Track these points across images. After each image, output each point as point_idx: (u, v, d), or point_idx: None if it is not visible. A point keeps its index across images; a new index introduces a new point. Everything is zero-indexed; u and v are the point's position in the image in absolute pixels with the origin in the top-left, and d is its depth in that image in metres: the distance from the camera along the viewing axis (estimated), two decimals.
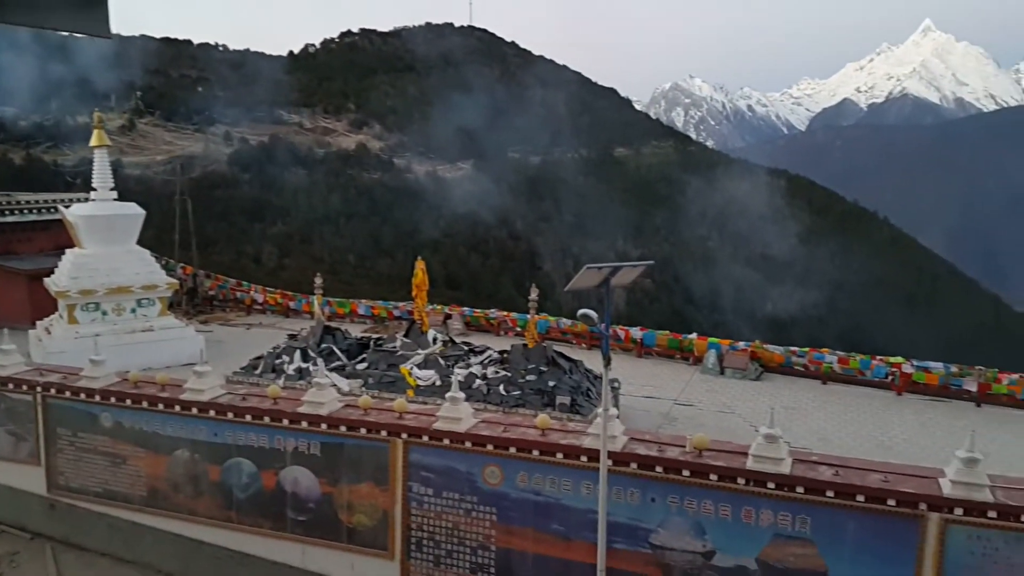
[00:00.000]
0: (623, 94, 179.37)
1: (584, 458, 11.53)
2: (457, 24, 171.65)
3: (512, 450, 11.99)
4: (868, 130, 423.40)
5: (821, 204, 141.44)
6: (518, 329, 29.29)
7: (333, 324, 25.94)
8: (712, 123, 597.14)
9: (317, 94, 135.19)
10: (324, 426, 13.12)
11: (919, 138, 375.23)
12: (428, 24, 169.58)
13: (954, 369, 23.19)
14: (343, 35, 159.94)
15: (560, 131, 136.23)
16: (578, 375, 20.20)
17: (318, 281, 24.09)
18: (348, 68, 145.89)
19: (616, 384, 19.83)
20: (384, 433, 12.76)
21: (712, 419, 20.10)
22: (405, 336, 22.49)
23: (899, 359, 24.12)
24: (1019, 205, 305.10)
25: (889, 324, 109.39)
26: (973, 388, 22.45)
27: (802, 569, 10.58)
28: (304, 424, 13.23)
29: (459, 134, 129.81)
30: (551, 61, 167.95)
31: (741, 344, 25.93)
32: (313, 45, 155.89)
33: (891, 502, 10.14)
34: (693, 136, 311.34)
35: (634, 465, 11.30)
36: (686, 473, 11.02)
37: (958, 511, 9.91)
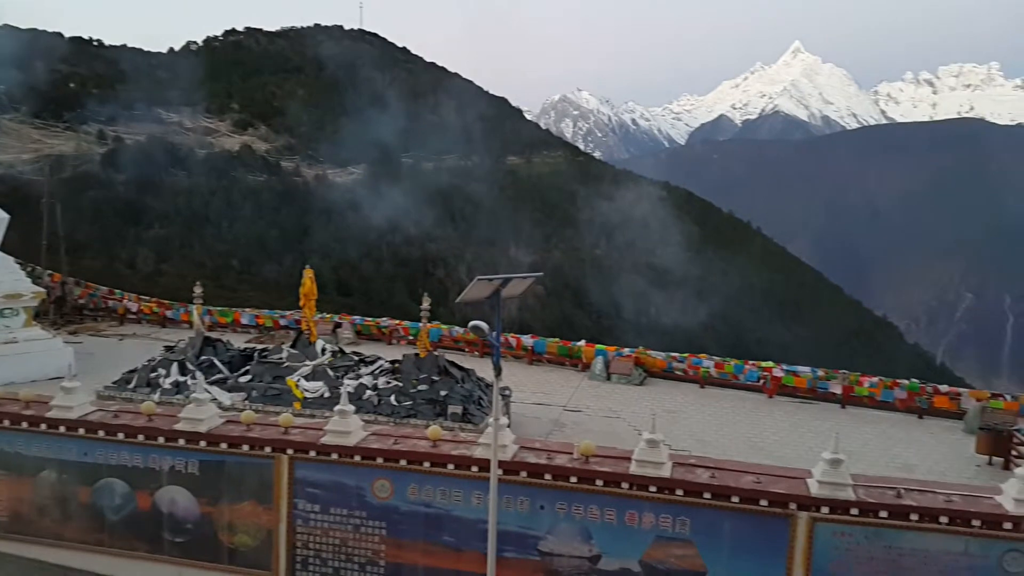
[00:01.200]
0: (514, 104, 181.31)
1: (475, 468, 11.62)
2: (347, 27, 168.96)
3: (403, 463, 11.93)
4: (743, 144, 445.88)
5: (700, 214, 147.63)
6: (410, 338, 29.13)
7: (214, 335, 25.00)
8: (599, 135, 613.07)
9: (199, 93, 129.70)
10: (203, 443, 12.63)
11: (789, 153, 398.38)
12: (317, 26, 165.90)
13: (821, 373, 24.78)
14: (227, 33, 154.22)
15: (453, 138, 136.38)
16: (470, 384, 20.31)
17: (198, 290, 23.12)
18: (232, 67, 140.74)
19: (507, 392, 20.03)
20: (268, 449, 12.42)
21: (599, 424, 20.64)
22: (292, 347, 21.95)
23: (770, 364, 25.57)
24: (879, 217, 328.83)
25: (762, 329, 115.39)
26: (838, 390, 24.06)
27: (683, 569, 11.03)
28: (181, 442, 12.69)
29: (350, 138, 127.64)
30: (443, 68, 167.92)
31: (626, 351, 26.78)
32: (195, 43, 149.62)
33: (764, 502, 10.74)
34: (581, 147, 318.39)
35: (524, 473, 11.48)
36: (574, 480, 11.30)
37: (824, 509, 10.61)
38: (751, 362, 25.84)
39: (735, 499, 10.83)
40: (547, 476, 11.39)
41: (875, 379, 24.30)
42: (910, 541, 10.46)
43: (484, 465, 11.21)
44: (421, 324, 21.25)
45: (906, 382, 24.03)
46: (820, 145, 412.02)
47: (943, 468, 18.44)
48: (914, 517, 10.40)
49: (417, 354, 20.86)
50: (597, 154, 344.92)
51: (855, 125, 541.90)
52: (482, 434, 12.67)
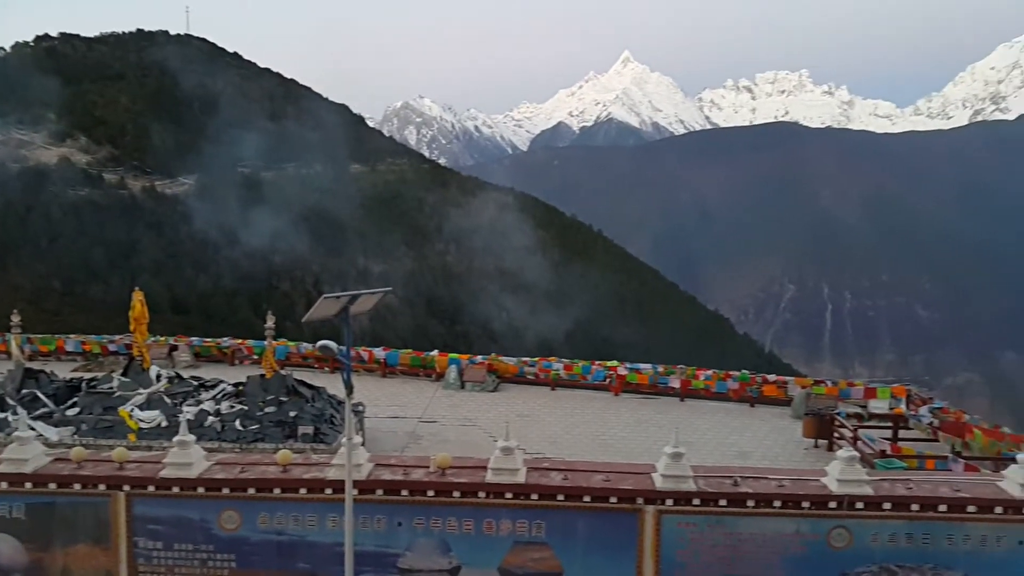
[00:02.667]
0: (355, 111, 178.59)
1: (329, 491, 11.30)
2: (173, 32, 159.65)
3: (251, 491, 11.41)
4: (581, 150, 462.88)
5: (544, 219, 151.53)
6: (255, 357, 27.95)
7: (36, 365, 22.88)
8: (443, 142, 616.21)
9: (9, 103, 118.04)
10: (29, 485, 11.53)
11: (624, 158, 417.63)
12: (140, 31, 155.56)
13: (661, 369, 26.14)
14: (39, 39, 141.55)
15: (292, 146, 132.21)
16: (321, 402, 19.75)
17: (15, 319, 21.05)
18: (47, 75, 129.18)
19: (360, 408, 19.68)
20: (103, 487, 11.50)
21: (455, 433, 20.71)
22: (123, 374, 20.43)
23: (615, 363, 26.67)
24: (707, 218, 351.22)
25: (608, 328, 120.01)
26: (677, 385, 25.46)
27: (540, 571, 11.25)
28: (4, 485, 11.53)
29: (180, 147, 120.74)
30: (278, 75, 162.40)
31: (479, 358, 27.08)
32: (2, 49, 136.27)
33: (613, 499, 11.16)
34: (426, 154, 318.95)
35: (380, 492, 11.30)
36: (431, 493, 11.25)
37: (669, 502, 11.16)
38: (597, 362, 26.84)
39: (587, 499, 11.18)
40: (404, 492, 11.28)
41: (710, 372, 25.91)
42: (748, 526, 11.20)
43: (338, 487, 10.94)
44: (266, 342, 20.43)
45: (737, 373, 25.78)
46: (652, 150, 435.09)
47: (775, 453, 19.92)
48: (751, 503, 11.13)
49: (263, 375, 20.03)
50: (442, 161, 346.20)
51: (683, 131, 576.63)
52: (335, 454, 12.35)
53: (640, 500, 11.20)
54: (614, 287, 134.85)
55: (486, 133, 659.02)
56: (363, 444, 12.68)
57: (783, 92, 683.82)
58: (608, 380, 25.95)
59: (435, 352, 27.84)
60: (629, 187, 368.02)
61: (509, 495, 11.20)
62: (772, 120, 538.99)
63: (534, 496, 11.19)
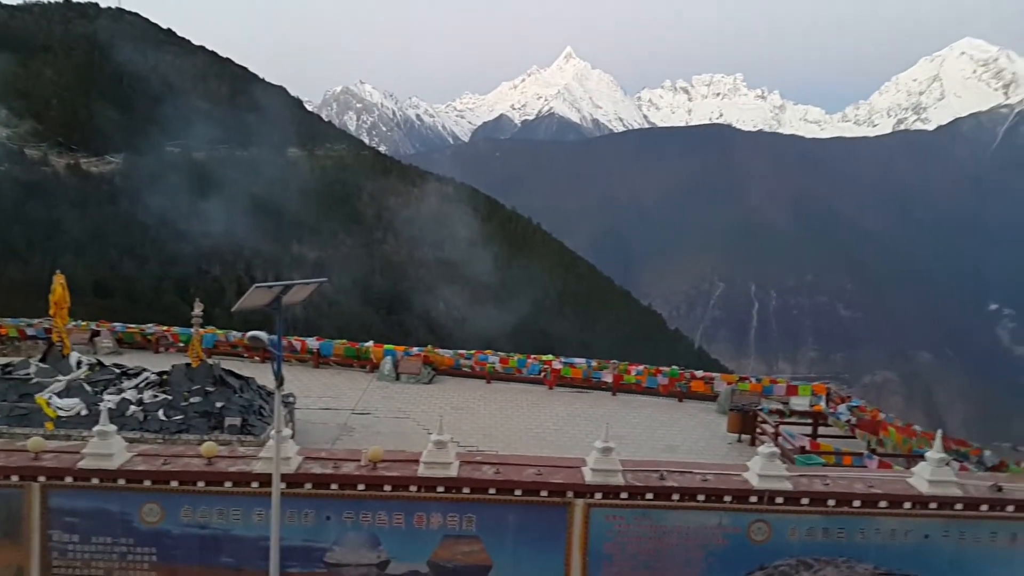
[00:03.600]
0: (293, 93, 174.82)
1: (256, 484, 11.11)
2: (104, 4, 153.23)
3: (174, 484, 11.14)
4: (522, 144, 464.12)
5: (484, 210, 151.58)
6: (181, 345, 27.19)
7: None
8: (384, 129, 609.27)
9: None
10: None
11: (564, 153, 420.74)
12: (68, 2, 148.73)
13: (595, 363, 26.49)
14: None
15: (226, 127, 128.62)
16: (250, 393, 19.35)
17: None
18: None
19: (291, 399, 19.38)
20: (16, 478, 11.06)
21: (389, 426, 20.59)
22: (42, 360, 19.64)
23: (550, 357, 26.92)
24: (644, 215, 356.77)
25: (545, 321, 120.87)
26: (610, 379, 25.85)
27: (469, 565, 11.32)
28: None
29: (108, 125, 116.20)
30: (213, 53, 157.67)
31: (415, 350, 26.95)
32: None
33: (544, 493, 11.30)
34: (366, 141, 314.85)
35: (309, 485, 11.17)
36: (361, 487, 11.17)
37: (598, 495, 11.36)
38: (533, 356, 27.04)
39: (518, 492, 11.29)
40: (334, 486, 11.17)
41: (641, 367, 26.40)
42: (673, 519, 11.49)
43: (265, 480, 10.76)
44: (193, 330, 19.88)
45: (668, 369, 26.33)
46: (592, 146, 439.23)
47: (700, 447, 20.45)
48: (676, 497, 11.43)
49: (188, 363, 19.52)
50: (383, 149, 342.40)
51: (622, 128, 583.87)
52: (263, 447, 12.15)
53: (570, 494, 11.36)
54: (553, 281, 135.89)
55: (428, 122, 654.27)
56: (292, 436, 12.53)
57: (718, 95, 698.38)
58: (543, 374, 26.19)
59: (370, 343, 27.59)
60: (569, 182, 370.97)
61: (441, 489, 11.22)
62: (707, 122, 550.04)
63: (466, 490, 11.24)
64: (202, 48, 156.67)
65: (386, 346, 27.19)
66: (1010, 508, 11.57)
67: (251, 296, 8.50)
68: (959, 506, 11.55)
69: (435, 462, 11.36)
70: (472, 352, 27.33)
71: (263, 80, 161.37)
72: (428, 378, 25.82)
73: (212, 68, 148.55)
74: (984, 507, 11.55)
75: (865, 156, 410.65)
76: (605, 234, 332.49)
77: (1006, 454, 18.58)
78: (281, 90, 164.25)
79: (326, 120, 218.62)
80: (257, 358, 26.69)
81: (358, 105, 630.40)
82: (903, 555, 11.58)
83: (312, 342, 27.59)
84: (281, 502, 9.47)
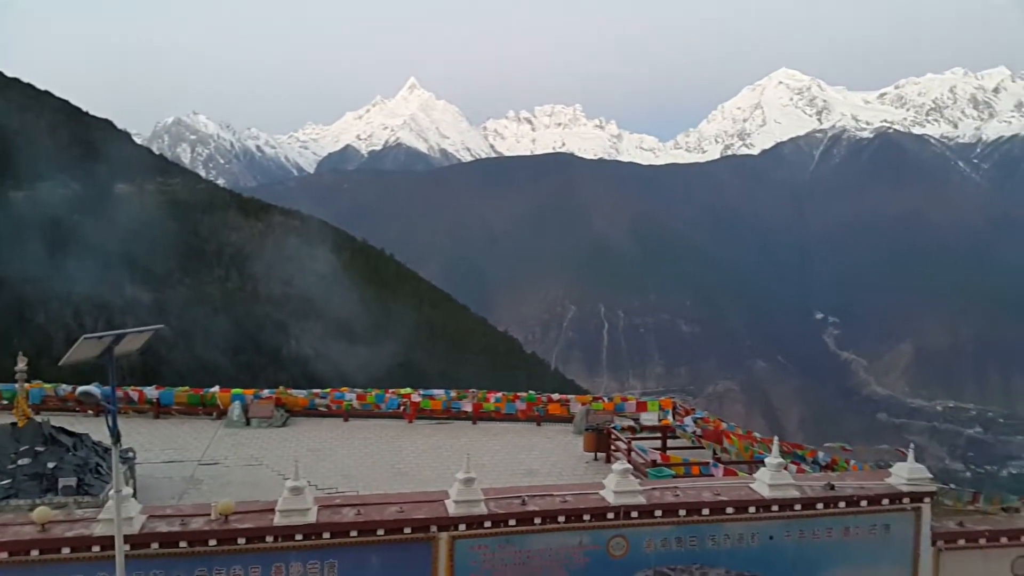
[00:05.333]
0: (120, 126, 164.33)
1: (97, 548, 10.32)
2: None
3: (3, 555, 10.12)
4: (370, 174, 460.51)
5: (334, 243, 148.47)
6: (5, 403, 24.70)
7: None
8: (222, 161, 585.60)
9: None
10: None
11: (413, 183, 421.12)
12: None
13: (453, 394, 26.53)
14: None
15: (47, 164, 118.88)
16: (84, 451, 17.84)
17: None
18: None
19: (130, 454, 18.08)
20: None
21: (240, 475, 19.61)
22: None
23: (408, 390, 26.68)
24: (495, 242, 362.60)
25: (403, 354, 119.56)
26: (469, 408, 25.97)
27: None
28: None
29: None
30: (30, 85, 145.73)
31: (266, 392, 25.88)
32: None
33: (408, 530, 11.20)
34: (202, 174, 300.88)
35: (155, 545, 10.49)
36: (213, 543, 10.62)
37: (462, 527, 11.40)
38: (391, 390, 26.68)
39: (381, 532, 11.12)
40: (183, 544, 10.55)
41: (499, 394, 26.71)
42: (536, 542, 11.71)
43: (107, 543, 10.01)
44: (17, 386, 18.14)
45: (525, 394, 26.80)
46: (441, 176, 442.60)
47: (560, 469, 20.91)
48: (538, 520, 11.67)
49: (14, 423, 17.76)
50: (221, 181, 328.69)
51: (469, 158, 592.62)
52: (103, 508, 11.28)
53: (434, 528, 11.33)
54: (409, 312, 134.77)
55: (269, 154, 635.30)
56: (134, 494, 11.74)
57: (560, 125, 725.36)
58: (402, 408, 25.89)
59: (216, 388, 26.18)
60: (420, 212, 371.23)
61: (299, 536, 10.86)
62: (551, 151, 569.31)
63: (326, 535, 10.94)
64: (16, 80, 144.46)
65: (234, 390, 25.90)
66: (842, 504, 12.66)
67: (79, 348, 8.03)
68: (798, 506, 12.51)
69: (292, 509, 10.99)
70: (327, 391, 26.61)
71: (86, 113, 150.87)
72: (281, 421, 24.84)
73: (30, 102, 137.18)
74: (820, 505, 12.58)
75: (697, 180, 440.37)
76: (458, 263, 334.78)
77: (837, 452, 20.17)
78: (107, 123, 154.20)
79: (157, 153, 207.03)
80: (91, 412, 24.70)
81: (192, 137, 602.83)
82: (751, 558, 12.37)
83: (151, 391, 25.85)
84: (126, 565, 8.84)
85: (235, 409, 24.55)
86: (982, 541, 13.11)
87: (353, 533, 11.02)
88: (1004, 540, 13.18)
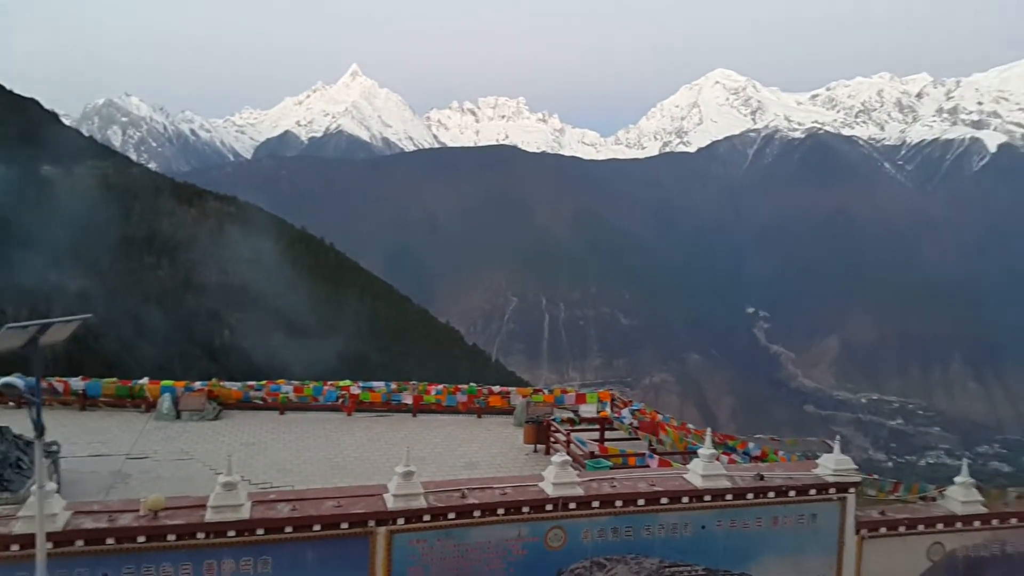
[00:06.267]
0: (47, 107, 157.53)
1: (17, 547, 9.92)
2: None
3: None
4: (310, 161, 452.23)
5: (271, 230, 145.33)
6: None
7: None
8: (154, 145, 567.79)
9: None
10: None
11: (355, 171, 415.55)
12: None
13: (394, 386, 26.29)
14: None
15: None
16: (4, 444, 17.14)
17: None
18: None
19: (55, 448, 17.43)
20: None
21: (171, 469, 19.08)
22: None
23: (347, 382, 26.33)
24: (437, 233, 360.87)
25: (341, 344, 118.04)
26: (410, 400, 25.80)
27: None
28: None
29: None
30: None
31: (197, 384, 25.18)
32: None
33: (345, 525, 11.09)
34: (134, 157, 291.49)
35: (80, 543, 10.15)
36: (142, 540, 10.34)
37: (400, 521, 11.35)
38: (329, 382, 26.29)
39: (317, 527, 10.99)
40: (110, 541, 10.23)
41: (440, 387, 26.59)
42: (475, 535, 11.74)
43: (28, 541, 9.64)
44: None
45: (466, 386, 26.75)
46: (383, 165, 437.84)
47: (500, 461, 20.96)
48: (477, 513, 11.70)
49: None
50: (153, 165, 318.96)
51: (412, 147, 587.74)
52: (24, 504, 10.85)
53: (372, 523, 11.25)
54: (349, 302, 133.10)
55: (204, 138, 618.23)
56: (58, 490, 11.31)
57: (503, 117, 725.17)
58: (341, 400, 25.53)
59: (145, 379, 25.37)
60: (361, 200, 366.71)
61: (232, 533, 10.64)
62: (494, 143, 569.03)
63: (260, 531, 10.75)
64: None
65: (164, 382, 25.13)
66: (771, 494, 13.04)
67: (1, 338, 7.75)
68: (729, 496, 12.83)
69: (224, 505, 10.77)
70: (263, 383, 26.04)
71: (10, 91, 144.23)
72: (214, 414, 24.24)
73: None
74: (750, 495, 12.93)
75: (637, 176, 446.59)
76: (399, 253, 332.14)
77: (767, 444, 20.71)
78: (33, 103, 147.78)
79: (87, 135, 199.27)
80: (12, 404, 23.70)
81: (123, 119, 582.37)
82: (684, 547, 12.65)
83: (77, 382, 24.90)
84: (48, 564, 8.53)
85: (165, 401, 23.85)
86: (902, 529, 13.67)
87: (288, 529, 10.86)
88: (921, 528, 13.76)
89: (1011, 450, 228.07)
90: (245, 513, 10.78)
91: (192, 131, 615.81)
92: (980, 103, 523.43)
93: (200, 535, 10.50)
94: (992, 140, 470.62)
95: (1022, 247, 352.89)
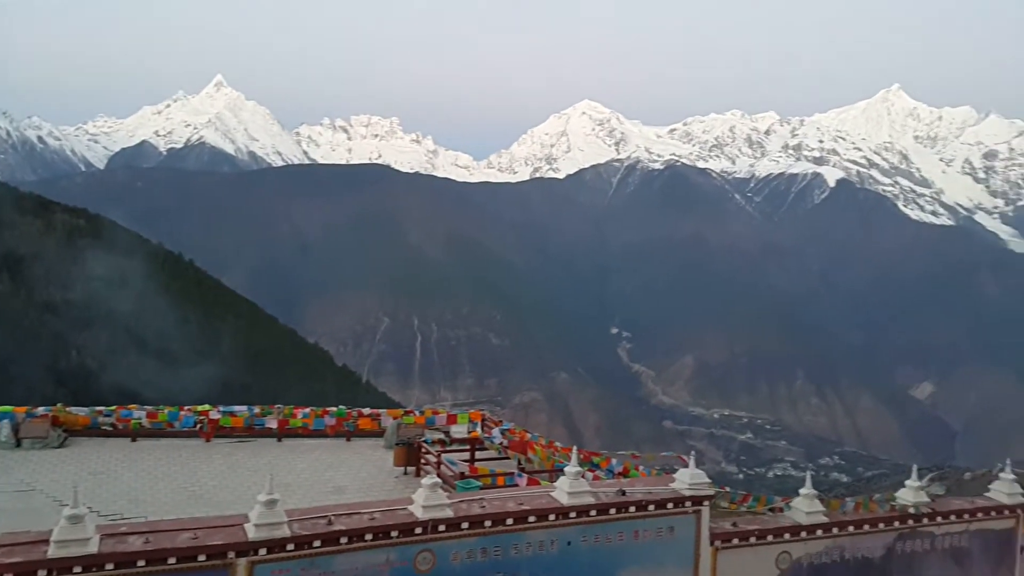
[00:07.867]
0: None
1: None
2: None
3: None
4: (169, 173, 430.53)
5: (126, 245, 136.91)
6: None
7: None
8: None
9: None
10: None
11: (218, 185, 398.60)
12: None
13: (257, 410, 25.37)
14: None
15: None
16: None
17: None
18: None
19: None
20: None
21: (9, 502, 17.60)
22: None
23: (207, 407, 25.18)
24: (306, 251, 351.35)
25: (201, 366, 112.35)
26: (275, 425, 24.96)
27: None
28: None
29: None
30: None
31: (40, 409, 23.38)
32: None
33: (202, 558, 10.61)
34: None
35: None
36: None
37: (263, 551, 10.97)
38: (186, 407, 25.05)
39: (172, 560, 10.47)
40: None
41: (307, 410, 25.90)
42: (341, 562, 11.52)
43: None
44: None
45: (334, 409, 26.20)
46: (249, 179, 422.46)
47: (369, 484, 20.64)
48: (344, 540, 11.49)
49: None
50: None
51: (280, 163, 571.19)
52: None
53: (231, 554, 10.83)
54: (210, 322, 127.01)
55: (53, 146, 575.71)
56: None
57: (376, 136, 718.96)
58: (199, 426, 24.35)
59: None
60: (224, 215, 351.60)
61: (78, 569, 9.97)
62: (367, 161, 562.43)
63: (109, 566, 10.13)
64: None
65: (2, 407, 23.20)
66: (632, 509, 13.57)
67: None
68: (593, 512, 13.26)
69: (69, 539, 10.08)
70: (113, 408, 24.48)
71: None
72: (58, 441, 22.55)
73: None
74: (613, 510, 13.41)
75: (508, 199, 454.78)
76: (265, 271, 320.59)
77: (628, 459, 21.47)
78: None
79: None
80: None
81: None
82: (550, 564, 12.94)
83: None
84: None
85: (3, 429, 21.99)
86: (752, 539, 14.56)
87: (141, 563, 10.29)
88: (770, 538, 14.71)
89: (849, 461, 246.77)
90: (93, 547, 10.13)
91: (40, 138, 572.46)
92: (821, 141, 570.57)
93: (42, 572, 9.77)
94: (831, 176, 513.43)
95: (858, 273, 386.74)
